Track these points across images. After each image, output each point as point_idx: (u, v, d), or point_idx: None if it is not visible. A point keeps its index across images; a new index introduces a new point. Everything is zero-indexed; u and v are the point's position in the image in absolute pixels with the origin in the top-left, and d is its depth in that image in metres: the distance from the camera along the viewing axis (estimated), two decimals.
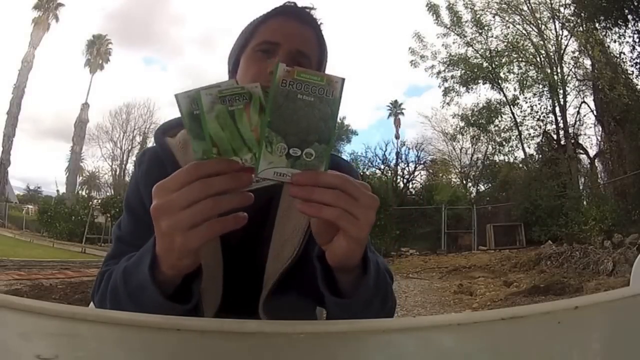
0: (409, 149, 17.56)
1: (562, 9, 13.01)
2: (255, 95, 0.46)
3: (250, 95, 0.46)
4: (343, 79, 0.46)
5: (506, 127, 14.62)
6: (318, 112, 0.45)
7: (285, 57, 0.68)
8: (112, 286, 0.58)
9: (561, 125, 13.49)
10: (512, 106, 14.19)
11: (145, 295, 0.51)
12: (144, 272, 0.51)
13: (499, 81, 14.24)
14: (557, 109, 13.45)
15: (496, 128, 14.74)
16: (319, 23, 0.74)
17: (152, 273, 0.50)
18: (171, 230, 0.45)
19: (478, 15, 14.20)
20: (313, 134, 0.46)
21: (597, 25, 12.09)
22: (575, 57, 13.20)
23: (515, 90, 14.10)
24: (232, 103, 0.45)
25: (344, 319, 0.55)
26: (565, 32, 13.12)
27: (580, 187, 12.56)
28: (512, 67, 14.13)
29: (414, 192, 16.65)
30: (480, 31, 14.27)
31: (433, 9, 14.60)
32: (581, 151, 13.64)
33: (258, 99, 0.46)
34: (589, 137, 13.58)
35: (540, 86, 13.75)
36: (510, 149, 14.83)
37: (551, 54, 13.46)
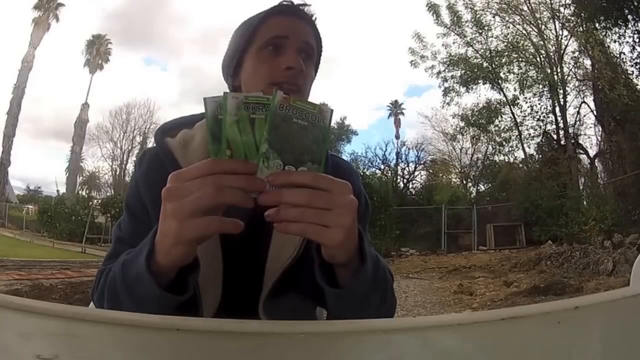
0: (409, 149, 17.64)
1: (562, 9, 13.01)
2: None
3: None
4: (332, 110, 0.50)
5: (506, 127, 14.62)
6: (311, 135, 0.49)
7: (295, 49, 0.70)
8: (111, 280, 0.58)
9: (561, 125, 13.49)
10: (512, 106, 14.19)
11: (141, 285, 0.52)
12: (141, 262, 0.52)
13: (499, 81, 14.24)
14: (557, 109, 13.45)
15: (496, 128, 14.75)
16: (314, 18, 0.76)
17: (149, 263, 0.51)
18: (172, 213, 0.47)
19: (478, 15, 14.20)
20: (307, 154, 0.49)
21: (597, 25, 12.08)
22: (575, 57, 13.20)
23: (515, 90, 14.11)
24: (255, 111, 0.48)
25: (343, 315, 0.56)
26: (565, 32, 13.12)
27: (580, 187, 12.56)
28: (512, 67, 14.12)
29: (414, 192, 16.69)
30: (480, 31, 14.27)
31: (433, 9, 14.60)
32: (581, 151, 13.64)
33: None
34: (589, 137, 13.59)
35: (540, 86, 13.75)
36: (510, 149, 14.85)
37: (551, 54, 13.46)
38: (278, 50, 0.70)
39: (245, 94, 0.49)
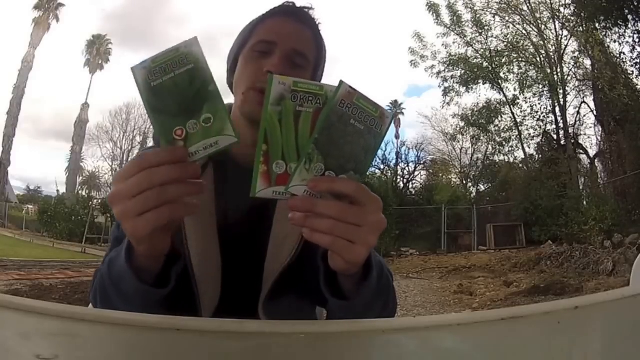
0: (409, 149, 17.60)
1: (562, 9, 13.00)
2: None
3: (326, 99, 0.44)
4: (394, 116, 0.45)
5: (506, 127, 14.60)
6: (364, 141, 0.45)
7: (281, 56, 0.68)
8: (100, 279, 0.59)
9: (561, 125, 13.48)
10: (512, 106, 14.17)
11: (125, 281, 0.53)
12: (122, 258, 0.52)
13: (499, 81, 14.22)
14: (557, 109, 13.44)
15: (496, 128, 14.72)
16: (317, 23, 0.74)
17: (129, 259, 0.52)
18: (121, 217, 0.47)
19: (478, 15, 14.19)
20: (352, 163, 0.45)
21: (597, 25, 12.07)
22: (575, 57, 13.19)
23: (515, 90, 14.09)
24: (302, 103, 0.44)
25: (344, 319, 0.55)
26: (565, 32, 13.11)
27: (580, 187, 12.55)
28: (512, 67, 14.11)
29: (414, 192, 16.66)
30: (480, 31, 14.25)
31: (433, 9, 14.59)
32: (581, 151, 13.63)
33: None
34: (589, 137, 13.58)
35: (540, 86, 13.73)
36: (510, 149, 14.82)
37: (551, 54, 13.45)
38: (264, 54, 0.69)
39: (294, 79, 0.43)
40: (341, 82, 0.44)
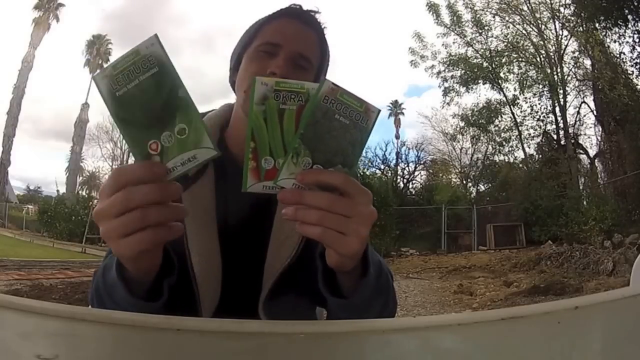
0: (409, 149, 17.60)
1: (562, 9, 13.01)
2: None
3: (307, 96, 0.45)
4: (379, 110, 0.46)
5: (506, 127, 14.62)
6: (350, 136, 0.46)
7: (285, 58, 0.68)
8: (96, 283, 0.59)
9: (561, 125, 13.49)
10: (512, 106, 14.18)
11: (116, 292, 0.52)
12: (114, 269, 0.52)
13: (499, 81, 14.23)
14: (557, 109, 13.45)
15: (496, 128, 14.74)
16: (322, 27, 0.74)
17: (120, 270, 0.51)
18: (105, 237, 0.45)
19: (478, 15, 14.19)
20: (339, 156, 0.46)
21: (597, 25, 12.08)
22: (575, 57, 13.20)
23: (515, 90, 14.11)
24: (285, 101, 0.45)
25: (344, 319, 0.55)
26: (565, 32, 13.12)
27: (580, 187, 12.56)
28: (512, 67, 14.12)
29: (414, 192, 16.66)
30: (480, 31, 14.26)
31: (433, 9, 14.60)
32: (581, 151, 13.64)
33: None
34: (589, 137, 13.59)
35: (540, 86, 13.75)
36: (510, 149, 14.83)
37: (551, 54, 13.46)
38: (269, 55, 0.69)
39: (276, 79, 0.45)
40: (324, 80, 0.45)
